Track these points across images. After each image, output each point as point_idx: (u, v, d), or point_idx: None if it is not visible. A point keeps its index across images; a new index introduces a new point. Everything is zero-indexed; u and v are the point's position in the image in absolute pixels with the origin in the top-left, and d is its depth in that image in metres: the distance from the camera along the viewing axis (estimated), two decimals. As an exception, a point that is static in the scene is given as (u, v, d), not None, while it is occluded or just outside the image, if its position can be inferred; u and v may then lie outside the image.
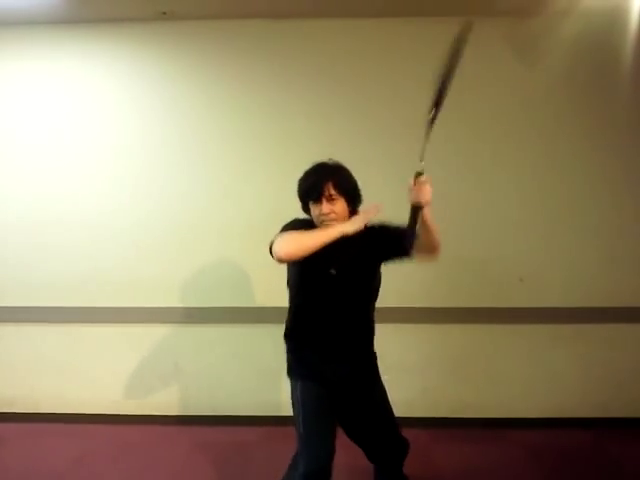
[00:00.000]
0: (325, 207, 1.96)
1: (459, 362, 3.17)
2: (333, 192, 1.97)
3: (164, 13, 3.00)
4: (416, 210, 1.87)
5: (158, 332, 3.22)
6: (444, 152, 3.08)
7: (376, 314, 2.14)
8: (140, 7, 2.93)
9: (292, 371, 2.11)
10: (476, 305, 3.12)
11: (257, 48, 3.11)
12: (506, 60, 3.03)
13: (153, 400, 3.25)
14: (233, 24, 3.08)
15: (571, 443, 2.95)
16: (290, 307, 2.13)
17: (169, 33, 3.12)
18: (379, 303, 2.15)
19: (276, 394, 3.10)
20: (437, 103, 1.81)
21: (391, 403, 2.19)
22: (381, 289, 2.15)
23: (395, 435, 2.23)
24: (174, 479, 2.67)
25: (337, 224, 1.95)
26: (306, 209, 2.07)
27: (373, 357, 2.15)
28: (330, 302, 2.02)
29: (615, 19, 2.80)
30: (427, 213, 1.91)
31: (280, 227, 2.06)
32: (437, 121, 1.84)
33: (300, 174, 2.08)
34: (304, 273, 2.00)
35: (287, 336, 2.13)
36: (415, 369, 3.12)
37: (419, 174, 1.87)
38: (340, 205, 1.99)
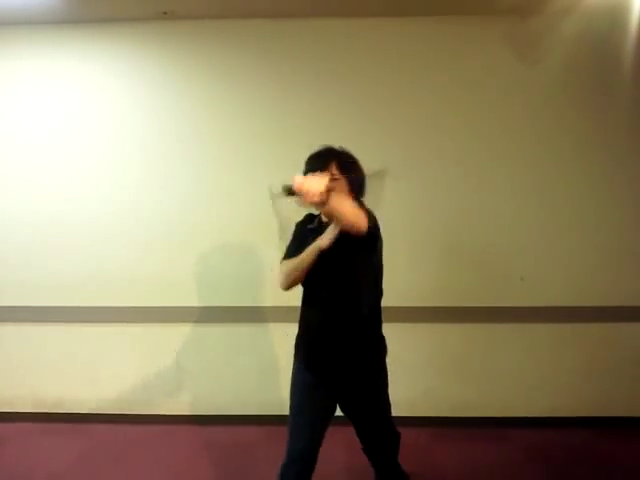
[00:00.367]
0: None
1: (460, 361, 3.17)
2: (335, 172, 1.97)
3: (165, 13, 3.00)
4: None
5: (159, 332, 3.21)
6: (444, 152, 3.10)
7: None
8: (141, 7, 2.93)
9: (294, 357, 2.14)
10: (477, 304, 3.12)
11: (257, 48, 3.12)
12: (506, 59, 3.04)
13: (154, 400, 3.24)
14: (233, 24, 3.09)
15: (571, 442, 2.96)
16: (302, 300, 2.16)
17: (169, 33, 3.12)
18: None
19: (278, 393, 3.10)
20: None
21: (392, 402, 2.19)
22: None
23: (387, 427, 2.23)
24: (175, 479, 2.67)
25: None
26: None
27: (377, 351, 2.14)
28: (320, 294, 2.03)
29: (615, 18, 2.80)
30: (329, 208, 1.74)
31: (278, 227, 2.09)
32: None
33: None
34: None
35: (299, 321, 2.16)
36: (416, 368, 3.12)
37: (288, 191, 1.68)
38: (341, 186, 1.97)
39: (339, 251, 1.96)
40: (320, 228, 2.01)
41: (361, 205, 2.01)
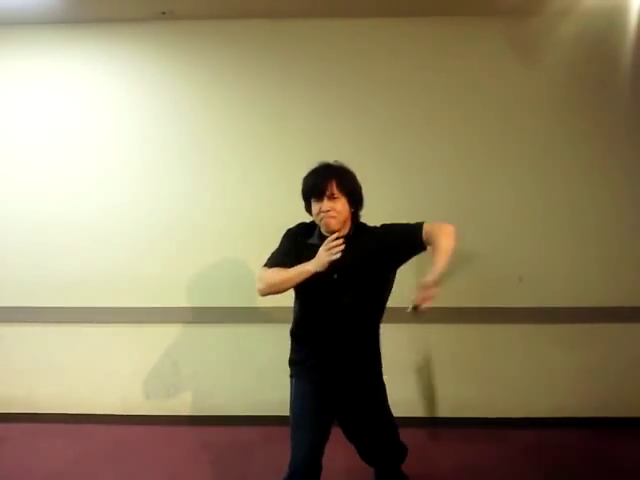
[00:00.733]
0: (326, 205, 1.99)
1: (458, 362, 3.17)
2: (336, 191, 1.99)
3: (163, 13, 3.00)
4: None
5: (157, 332, 3.21)
6: (443, 151, 3.10)
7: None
8: (139, 7, 2.93)
9: (291, 369, 2.13)
10: (475, 305, 3.12)
11: (257, 48, 3.12)
12: (506, 59, 3.04)
13: (152, 400, 3.24)
14: (233, 24, 3.09)
15: (570, 443, 2.96)
16: (294, 307, 2.14)
17: (168, 33, 3.12)
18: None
19: (276, 394, 3.08)
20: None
21: (391, 403, 2.19)
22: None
23: (393, 439, 2.23)
24: (173, 479, 2.67)
25: (334, 222, 1.98)
26: (308, 208, 2.09)
27: (376, 360, 2.15)
28: (331, 307, 2.02)
29: (615, 19, 2.81)
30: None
31: (277, 228, 2.12)
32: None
33: (300, 174, 2.09)
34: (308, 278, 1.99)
35: (292, 334, 2.15)
36: (414, 369, 3.12)
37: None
38: (341, 204, 2.00)
39: (360, 265, 1.98)
40: (320, 244, 1.98)
41: (362, 224, 2.09)
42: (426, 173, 3.12)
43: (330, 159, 2.10)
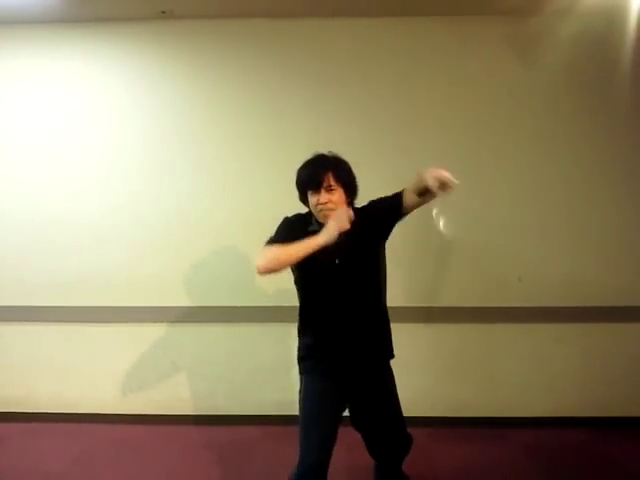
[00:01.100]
0: (323, 197, 2.00)
1: (458, 361, 3.18)
2: (333, 183, 2.00)
3: (163, 12, 3.00)
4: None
5: (157, 331, 3.21)
6: (442, 151, 3.09)
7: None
8: (139, 6, 2.93)
9: (300, 365, 2.14)
10: (474, 304, 3.12)
11: (256, 48, 3.11)
12: (505, 59, 3.04)
13: (152, 400, 3.24)
14: (232, 23, 3.08)
15: (570, 442, 2.96)
16: (299, 304, 2.15)
17: (168, 32, 3.11)
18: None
19: (276, 393, 3.10)
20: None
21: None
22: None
23: (400, 430, 2.23)
24: (173, 478, 2.67)
25: (332, 214, 1.98)
26: (304, 199, 2.10)
27: (386, 349, 2.15)
28: (337, 293, 2.03)
29: (614, 18, 2.81)
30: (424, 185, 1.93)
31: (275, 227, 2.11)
32: None
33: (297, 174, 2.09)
34: (308, 266, 1.99)
35: (299, 332, 2.15)
36: (414, 368, 3.11)
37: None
38: (338, 195, 2.02)
39: (359, 247, 1.99)
40: (320, 230, 1.99)
41: (353, 208, 2.07)
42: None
43: (329, 157, 2.10)
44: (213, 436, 3.04)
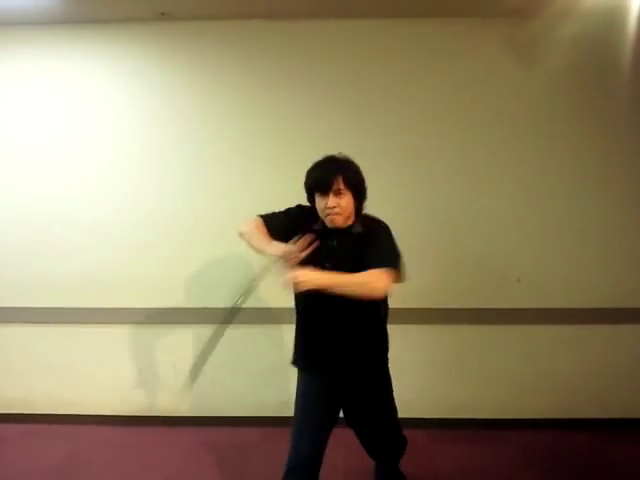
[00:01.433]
0: (332, 201, 1.98)
1: (456, 363, 3.18)
2: (342, 187, 1.98)
3: (163, 14, 2.99)
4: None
5: (156, 333, 3.21)
6: (442, 151, 3.10)
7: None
8: (139, 8, 2.93)
9: (295, 365, 2.14)
10: (473, 306, 3.12)
11: (256, 49, 3.11)
12: (505, 60, 3.04)
13: (151, 401, 3.23)
14: (232, 25, 3.08)
15: (568, 444, 2.96)
16: (294, 305, 2.15)
17: (168, 34, 3.11)
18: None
19: (275, 395, 3.10)
20: None
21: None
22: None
23: (393, 432, 2.23)
24: (172, 480, 2.67)
25: (339, 218, 1.99)
26: (311, 200, 2.08)
27: (380, 351, 2.15)
28: (326, 296, 2.01)
29: (615, 19, 2.80)
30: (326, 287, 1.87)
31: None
32: None
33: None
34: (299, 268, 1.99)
35: (295, 336, 2.16)
36: (412, 370, 3.11)
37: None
38: (346, 200, 2.00)
39: (350, 254, 1.98)
40: (323, 230, 2.03)
41: (365, 217, 2.07)
42: (425, 174, 3.13)
43: (329, 159, 2.09)
44: (213, 437, 3.04)
